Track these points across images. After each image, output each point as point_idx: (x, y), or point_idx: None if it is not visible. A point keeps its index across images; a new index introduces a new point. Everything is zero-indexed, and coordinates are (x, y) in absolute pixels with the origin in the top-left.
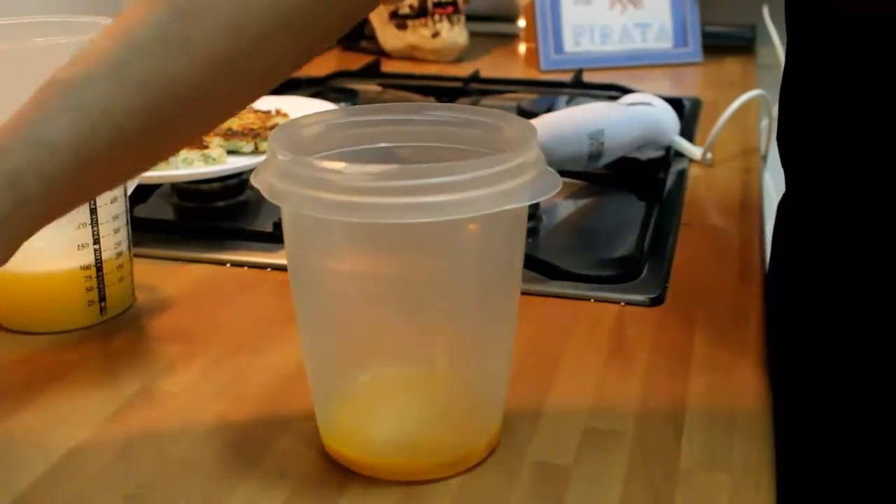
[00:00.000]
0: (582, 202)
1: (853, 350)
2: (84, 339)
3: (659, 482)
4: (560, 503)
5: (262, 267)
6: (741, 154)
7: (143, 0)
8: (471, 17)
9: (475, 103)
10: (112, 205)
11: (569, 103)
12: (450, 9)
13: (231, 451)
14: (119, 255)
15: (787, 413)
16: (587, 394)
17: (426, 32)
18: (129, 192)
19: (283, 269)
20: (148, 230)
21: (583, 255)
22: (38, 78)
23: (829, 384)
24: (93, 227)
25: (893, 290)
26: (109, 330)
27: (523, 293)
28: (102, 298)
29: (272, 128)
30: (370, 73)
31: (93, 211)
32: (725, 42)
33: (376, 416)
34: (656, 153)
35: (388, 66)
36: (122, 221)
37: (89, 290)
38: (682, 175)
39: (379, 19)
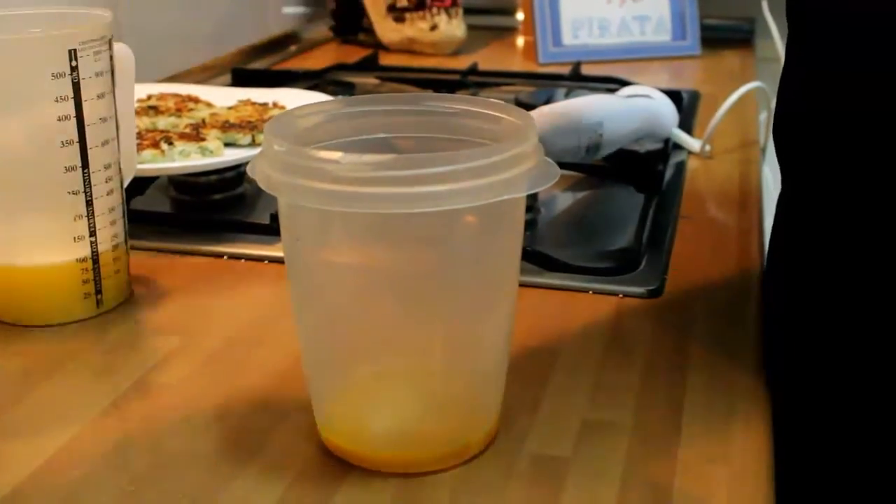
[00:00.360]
0: (580, 194)
1: (851, 343)
2: (79, 331)
3: (658, 474)
4: (558, 495)
5: (260, 259)
6: (740, 146)
7: None
8: (469, 10)
9: (473, 96)
10: (108, 197)
11: (567, 96)
12: (448, 1)
13: (228, 444)
14: (115, 247)
15: (785, 405)
16: (585, 386)
17: (424, 25)
18: (126, 184)
19: (280, 261)
20: (145, 222)
21: (581, 247)
22: (33, 70)
23: (828, 376)
24: (89, 219)
25: (891, 284)
26: (105, 322)
27: (521, 285)
28: (99, 291)
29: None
30: (368, 66)
31: (89, 203)
32: (724, 35)
33: (373, 409)
34: (655, 145)
35: (385, 59)
36: (119, 213)
37: (85, 282)
38: (680, 167)
39: (377, 12)
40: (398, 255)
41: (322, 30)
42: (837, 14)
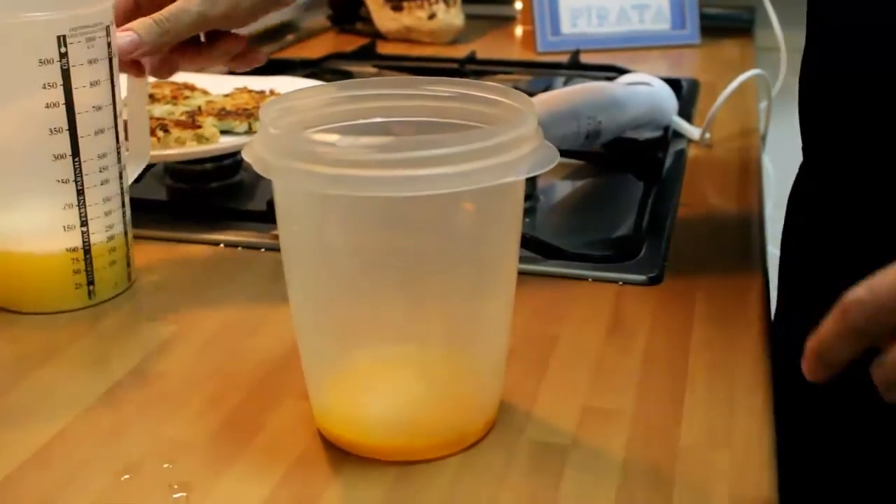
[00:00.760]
0: (580, 182)
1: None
2: (75, 319)
3: (659, 461)
4: (559, 482)
5: (256, 247)
6: (739, 135)
7: None
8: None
9: None
10: (103, 186)
11: (566, 84)
12: None
13: (224, 432)
14: (111, 238)
15: (787, 391)
16: (586, 373)
17: (422, 14)
18: (138, 172)
19: (276, 248)
20: (140, 211)
21: (581, 235)
22: (20, 56)
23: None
24: (80, 209)
25: None
26: (100, 310)
27: (521, 273)
28: (91, 282)
29: None
30: (365, 54)
31: (80, 192)
32: (723, 24)
33: (371, 396)
34: (654, 133)
35: (383, 48)
36: (116, 204)
37: (76, 272)
38: (680, 155)
39: (374, 1)
40: (396, 240)
41: (319, 19)
42: None
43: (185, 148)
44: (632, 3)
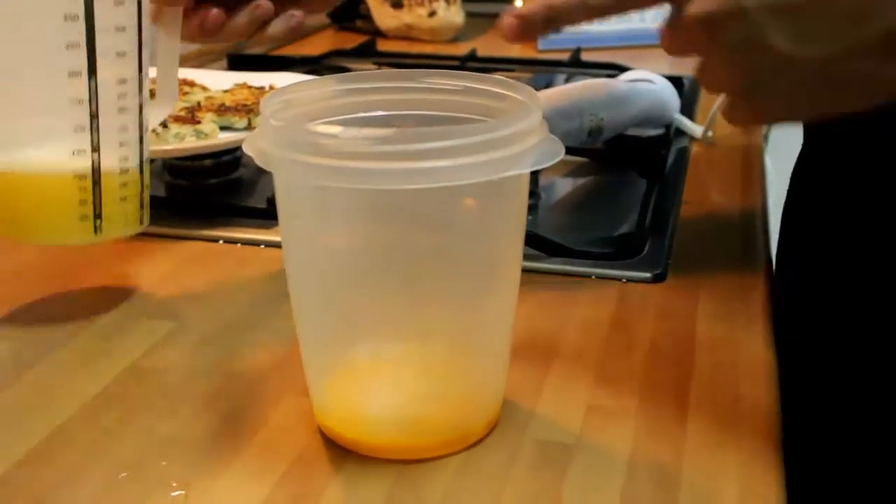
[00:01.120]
0: (582, 179)
1: (863, 326)
2: (71, 314)
3: (664, 460)
4: (562, 482)
5: (256, 244)
6: (742, 133)
7: None
8: None
9: None
10: (120, 115)
11: (567, 82)
12: None
13: (223, 430)
14: (124, 171)
15: (793, 390)
16: (589, 371)
17: (422, 12)
18: (166, 114)
19: (276, 245)
20: None
21: (583, 232)
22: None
23: (837, 361)
24: (92, 134)
25: None
26: (97, 305)
27: (523, 270)
28: (98, 216)
29: None
30: (365, 52)
31: (93, 116)
32: None
33: (372, 394)
34: (657, 131)
35: (383, 46)
36: (133, 135)
37: (83, 203)
38: (683, 153)
39: None
40: (399, 235)
41: (319, 16)
42: None
43: (184, 144)
44: None
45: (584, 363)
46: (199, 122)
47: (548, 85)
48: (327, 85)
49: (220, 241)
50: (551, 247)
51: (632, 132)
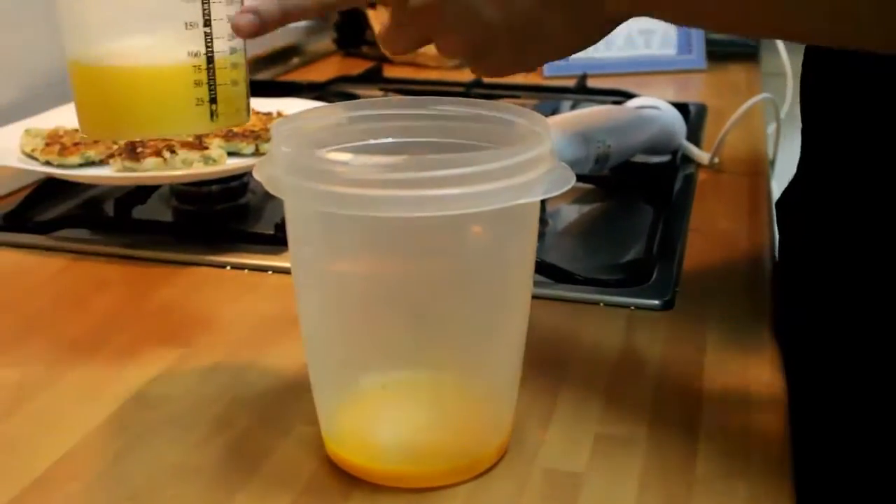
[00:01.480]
0: (589, 206)
1: (870, 348)
2: (79, 339)
3: (674, 490)
4: None
5: (264, 270)
6: (748, 159)
7: None
8: None
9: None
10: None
11: (573, 108)
12: None
13: (230, 458)
14: (234, 50)
15: (804, 417)
16: (598, 399)
17: None
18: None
19: (284, 271)
20: (147, 232)
21: (591, 259)
22: None
23: (847, 386)
24: (203, 5)
25: None
26: (106, 330)
27: (531, 297)
28: (213, 100)
29: None
30: (372, 78)
31: None
32: (730, 49)
33: (381, 422)
34: (663, 157)
35: (389, 72)
36: (237, 8)
37: (198, 84)
38: (689, 179)
39: (381, 24)
40: (408, 262)
41: (325, 42)
42: None
43: (191, 169)
44: (638, 28)
45: (593, 391)
46: (206, 148)
47: (554, 111)
48: (337, 112)
49: (228, 267)
50: (559, 274)
51: (638, 159)
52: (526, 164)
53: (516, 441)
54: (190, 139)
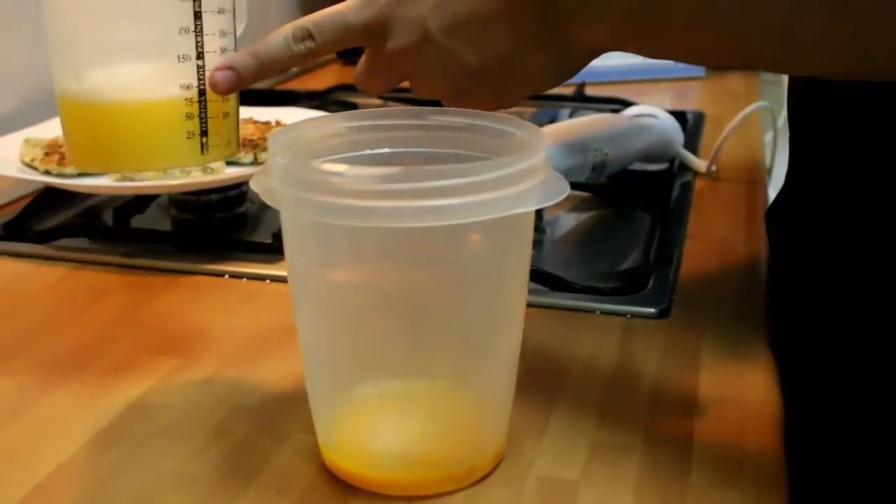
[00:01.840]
0: (586, 214)
1: (863, 358)
2: (77, 348)
3: (669, 498)
4: None
5: (262, 278)
6: (745, 167)
7: None
8: None
9: None
10: (220, 16)
11: (571, 117)
12: None
13: (228, 466)
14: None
15: (799, 426)
16: (594, 407)
17: None
18: (242, 28)
19: (282, 280)
20: (145, 241)
21: (587, 267)
22: None
23: (842, 394)
24: (196, 36)
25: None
26: (103, 339)
27: (527, 305)
28: (204, 132)
29: None
30: None
31: (197, 15)
32: None
33: (378, 430)
34: (660, 165)
35: None
36: (230, 41)
37: (189, 117)
38: (686, 187)
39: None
40: (404, 272)
41: None
42: None
43: (190, 178)
44: None
45: (589, 399)
46: None
47: (552, 119)
48: (334, 122)
49: (226, 276)
50: (555, 282)
51: (636, 167)
52: (521, 175)
53: (512, 448)
54: None
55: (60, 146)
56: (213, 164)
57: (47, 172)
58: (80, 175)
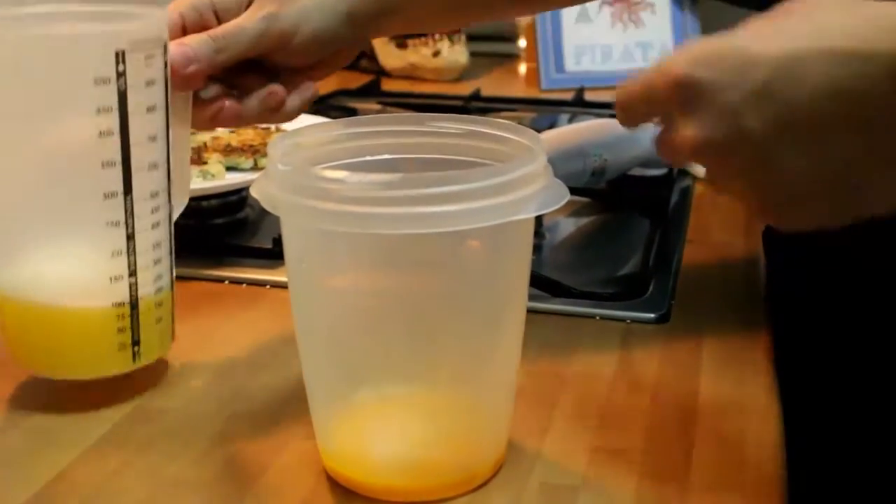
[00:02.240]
0: (585, 219)
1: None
2: None
3: (670, 503)
4: None
5: (262, 284)
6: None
7: None
8: (471, 37)
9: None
10: (153, 231)
11: (571, 122)
12: None
13: (228, 472)
14: (159, 290)
15: (799, 431)
16: (594, 412)
17: (427, 51)
18: (177, 214)
19: (282, 286)
20: None
21: (587, 273)
22: (72, 73)
23: (841, 399)
24: (129, 256)
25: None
26: None
27: (527, 311)
28: (136, 342)
29: None
30: (370, 91)
31: (130, 237)
32: None
33: (378, 436)
34: (660, 170)
35: (387, 85)
36: (165, 251)
37: (121, 331)
38: (686, 192)
39: (379, 38)
40: (404, 278)
41: None
42: None
43: (190, 184)
44: (635, 41)
45: (589, 404)
46: (205, 163)
47: (551, 125)
48: (334, 128)
49: (226, 282)
50: (555, 287)
51: (635, 172)
52: (520, 181)
53: (512, 454)
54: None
55: None
56: (212, 170)
57: None
58: None
